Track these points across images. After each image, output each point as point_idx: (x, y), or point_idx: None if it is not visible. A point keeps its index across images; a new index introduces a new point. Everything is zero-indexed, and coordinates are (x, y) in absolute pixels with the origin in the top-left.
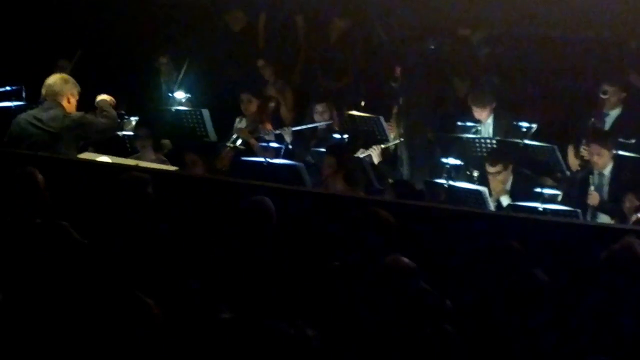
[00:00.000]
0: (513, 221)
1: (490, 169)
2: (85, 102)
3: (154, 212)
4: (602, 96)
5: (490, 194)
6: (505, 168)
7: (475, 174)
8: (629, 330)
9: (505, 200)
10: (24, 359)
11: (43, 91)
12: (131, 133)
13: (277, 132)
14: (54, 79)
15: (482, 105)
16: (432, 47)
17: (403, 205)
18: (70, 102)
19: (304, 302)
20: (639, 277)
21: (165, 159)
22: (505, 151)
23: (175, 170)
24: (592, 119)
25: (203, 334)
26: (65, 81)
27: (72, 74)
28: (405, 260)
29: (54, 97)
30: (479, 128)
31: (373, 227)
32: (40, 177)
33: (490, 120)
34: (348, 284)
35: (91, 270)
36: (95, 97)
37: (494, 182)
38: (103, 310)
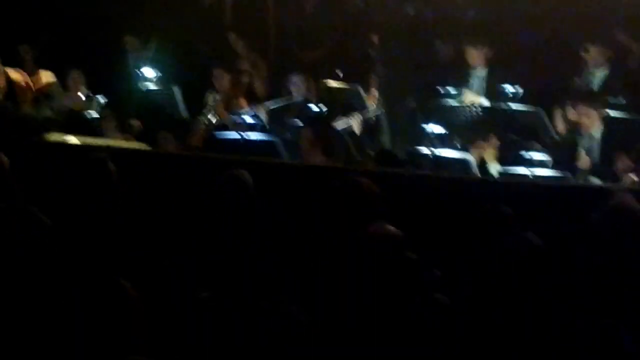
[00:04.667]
0: (501, 186)
1: (473, 148)
2: None
3: (123, 191)
4: (583, 54)
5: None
6: (486, 140)
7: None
8: (631, 289)
9: (494, 167)
10: None
11: None
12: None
13: (252, 112)
14: None
15: (477, 46)
16: (411, 11)
17: (387, 174)
18: None
19: (287, 278)
20: (635, 232)
21: (133, 139)
22: (479, 125)
23: (148, 149)
24: (576, 79)
25: (182, 314)
26: None
27: (38, 57)
28: (391, 228)
29: None
30: (470, 80)
31: (355, 196)
32: (5, 159)
33: (483, 73)
34: (332, 256)
35: (62, 254)
36: (62, 79)
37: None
38: (78, 295)
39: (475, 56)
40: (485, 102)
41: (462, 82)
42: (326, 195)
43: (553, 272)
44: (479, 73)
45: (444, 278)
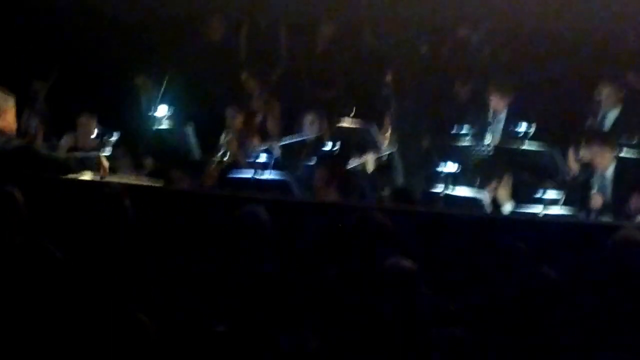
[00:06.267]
0: (514, 223)
1: (487, 189)
2: (64, 122)
3: (137, 225)
4: (596, 95)
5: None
6: (500, 180)
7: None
8: None
9: (508, 206)
10: None
11: None
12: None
13: (265, 147)
14: None
15: (502, 93)
16: (424, 50)
17: (401, 210)
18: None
19: (304, 313)
20: None
21: (146, 178)
22: (493, 165)
23: (163, 186)
24: (589, 119)
25: (198, 347)
26: None
27: (49, 94)
28: (406, 262)
29: None
30: (490, 122)
31: (371, 231)
32: (19, 195)
33: (503, 115)
34: (349, 290)
35: (77, 288)
36: (74, 117)
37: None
38: (95, 328)
39: (499, 102)
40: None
41: (479, 123)
42: (342, 231)
43: (567, 305)
44: (500, 116)
45: (460, 312)
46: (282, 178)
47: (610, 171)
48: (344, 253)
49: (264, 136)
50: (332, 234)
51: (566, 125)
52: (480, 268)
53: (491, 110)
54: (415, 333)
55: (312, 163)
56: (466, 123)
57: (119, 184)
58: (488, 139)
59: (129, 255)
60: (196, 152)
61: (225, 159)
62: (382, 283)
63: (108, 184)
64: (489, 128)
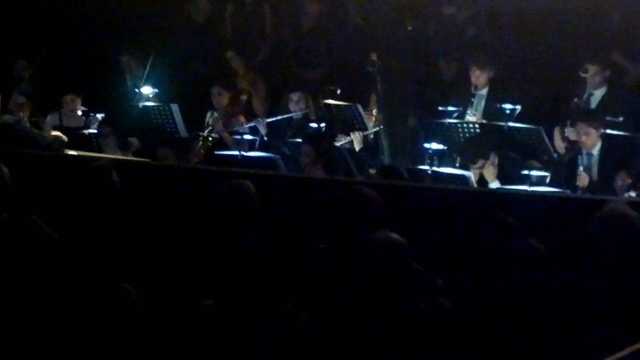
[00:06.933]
0: (502, 197)
1: (474, 167)
2: (50, 101)
3: (125, 201)
4: (583, 74)
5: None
6: (486, 159)
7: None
8: (630, 295)
9: (494, 185)
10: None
11: None
12: (96, 131)
13: (251, 124)
14: None
15: (482, 66)
16: (410, 28)
17: (389, 185)
18: None
19: (291, 286)
20: (628, 239)
21: (131, 157)
22: (479, 144)
23: (149, 162)
24: (575, 99)
25: (185, 321)
26: None
27: (34, 73)
28: (395, 235)
29: None
30: (473, 100)
31: (358, 204)
32: (5, 170)
33: (485, 92)
34: (336, 265)
35: (66, 263)
36: (59, 96)
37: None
38: (84, 303)
39: (480, 76)
40: (483, 121)
41: (464, 101)
42: (331, 205)
43: (555, 278)
44: (481, 93)
45: (448, 285)
46: (269, 156)
47: (596, 150)
48: (333, 227)
49: (250, 115)
50: (320, 207)
51: (552, 104)
52: (468, 242)
53: (472, 86)
54: (403, 306)
55: (298, 140)
56: (451, 101)
57: (107, 159)
58: (470, 116)
59: (116, 230)
60: (182, 131)
61: (211, 137)
62: (370, 257)
63: (96, 158)
64: (470, 104)
